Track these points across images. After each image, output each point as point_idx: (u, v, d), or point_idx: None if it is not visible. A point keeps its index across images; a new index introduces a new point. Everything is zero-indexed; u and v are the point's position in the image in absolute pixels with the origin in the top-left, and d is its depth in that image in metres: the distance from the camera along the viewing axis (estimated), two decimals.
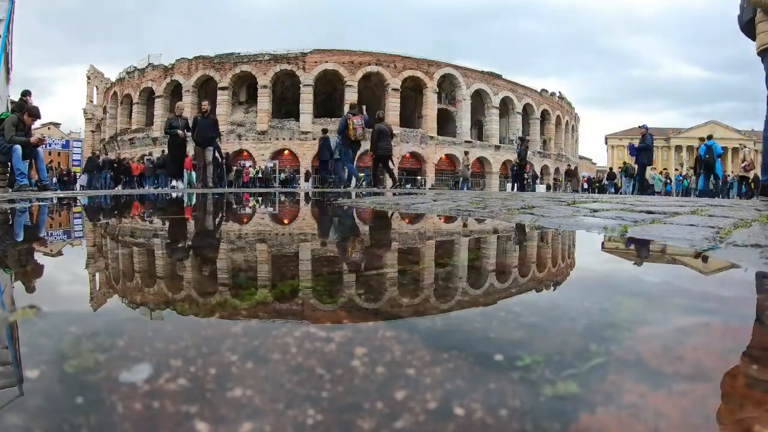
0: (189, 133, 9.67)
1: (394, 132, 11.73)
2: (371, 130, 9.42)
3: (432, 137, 30.37)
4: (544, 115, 37.23)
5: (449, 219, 2.65)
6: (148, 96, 32.42)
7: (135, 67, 33.57)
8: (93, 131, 41.93)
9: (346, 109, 10.22)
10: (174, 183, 11.03)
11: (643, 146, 11.61)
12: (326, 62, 28.67)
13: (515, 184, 14.22)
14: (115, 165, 20.89)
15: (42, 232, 2.00)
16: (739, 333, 0.60)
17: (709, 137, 12.42)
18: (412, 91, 30.75)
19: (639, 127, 11.87)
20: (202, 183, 9.70)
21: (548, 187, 30.27)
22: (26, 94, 7.57)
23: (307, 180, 24.90)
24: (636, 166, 13.37)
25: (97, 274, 1.05)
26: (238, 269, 1.12)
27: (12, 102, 9.74)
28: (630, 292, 0.85)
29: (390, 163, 9.77)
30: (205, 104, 10.01)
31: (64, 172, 25.37)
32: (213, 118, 10.24)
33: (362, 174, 11.88)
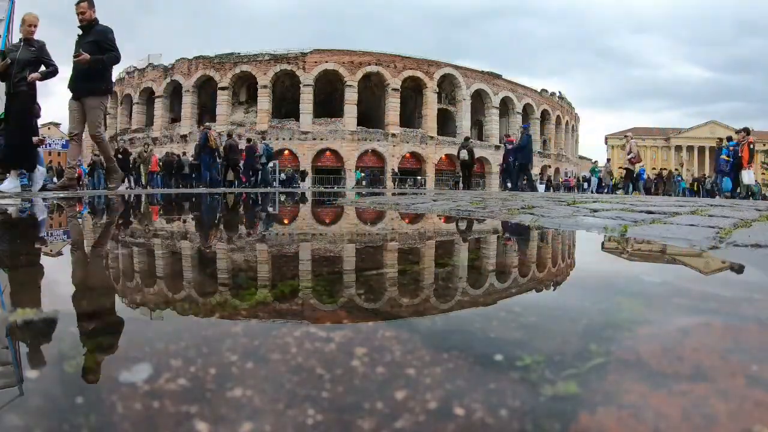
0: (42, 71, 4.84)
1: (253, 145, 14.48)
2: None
3: (432, 137, 30.37)
4: (544, 115, 37.23)
5: (449, 219, 2.65)
6: (148, 96, 32.42)
7: (135, 67, 33.59)
8: None
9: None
10: (5, 184, 5.04)
11: (517, 146, 12.26)
12: (326, 62, 28.67)
13: (459, 183, 14.74)
14: (119, 155, 15.61)
15: (42, 232, 2.00)
16: (739, 333, 0.60)
17: (729, 138, 12.27)
18: (412, 91, 30.75)
19: (520, 127, 12.59)
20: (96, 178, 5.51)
21: (548, 187, 30.27)
22: None
23: (303, 180, 24.88)
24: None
25: (96, 274, 1.05)
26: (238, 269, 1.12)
27: None
28: (630, 292, 0.85)
29: (238, 168, 13.40)
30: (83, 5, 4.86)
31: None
32: (100, 27, 4.98)
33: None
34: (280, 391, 0.42)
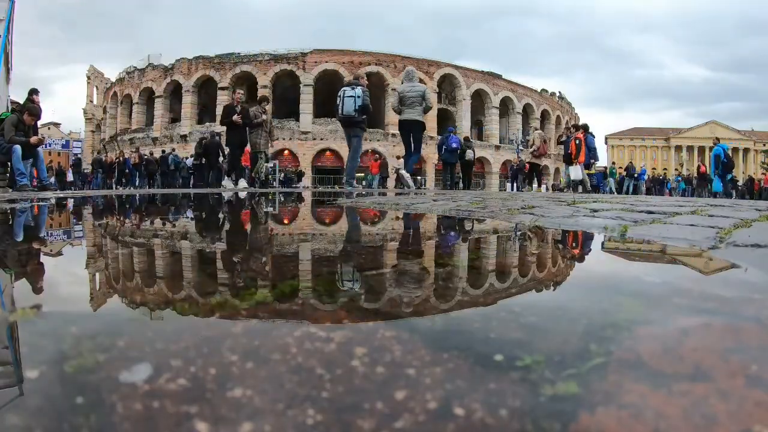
0: None
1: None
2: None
3: (432, 137, 30.35)
4: (544, 115, 37.23)
5: (450, 219, 2.65)
6: (148, 96, 32.42)
7: (135, 67, 33.57)
8: (93, 131, 41.94)
9: None
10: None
11: (440, 145, 13.80)
12: (326, 62, 28.67)
13: (459, 183, 15.02)
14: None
15: (42, 232, 2.00)
16: (739, 333, 0.60)
17: (717, 140, 12.58)
18: None
19: (448, 129, 13.58)
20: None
21: (548, 187, 30.27)
22: (33, 92, 7.53)
23: (299, 180, 24.86)
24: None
25: (97, 274, 1.05)
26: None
27: (13, 102, 9.69)
28: (630, 292, 0.85)
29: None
30: None
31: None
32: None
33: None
34: (280, 391, 0.42)
